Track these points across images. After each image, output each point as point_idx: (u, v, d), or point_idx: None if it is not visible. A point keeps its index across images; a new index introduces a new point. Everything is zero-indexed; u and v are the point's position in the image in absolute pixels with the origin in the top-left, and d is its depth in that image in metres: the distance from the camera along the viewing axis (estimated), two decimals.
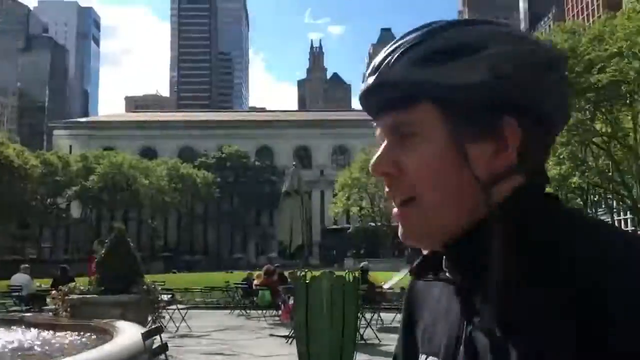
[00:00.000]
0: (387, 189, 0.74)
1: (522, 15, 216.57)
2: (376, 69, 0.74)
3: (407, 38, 0.74)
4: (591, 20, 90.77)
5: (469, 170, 0.69)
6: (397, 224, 0.74)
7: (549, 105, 0.73)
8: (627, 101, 32.47)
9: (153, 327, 4.83)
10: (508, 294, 0.64)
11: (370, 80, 0.74)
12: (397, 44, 0.74)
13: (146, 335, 3.67)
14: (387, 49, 0.74)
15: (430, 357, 0.78)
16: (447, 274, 0.76)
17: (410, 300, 0.91)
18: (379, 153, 0.75)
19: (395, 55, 0.72)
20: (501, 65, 0.70)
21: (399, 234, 0.74)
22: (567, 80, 0.78)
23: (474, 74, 0.69)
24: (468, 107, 0.70)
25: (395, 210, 0.74)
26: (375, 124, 0.79)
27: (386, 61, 0.73)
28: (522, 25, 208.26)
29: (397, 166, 0.73)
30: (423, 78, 0.70)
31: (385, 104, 0.74)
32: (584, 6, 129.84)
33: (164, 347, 3.74)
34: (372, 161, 0.75)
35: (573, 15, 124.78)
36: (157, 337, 3.82)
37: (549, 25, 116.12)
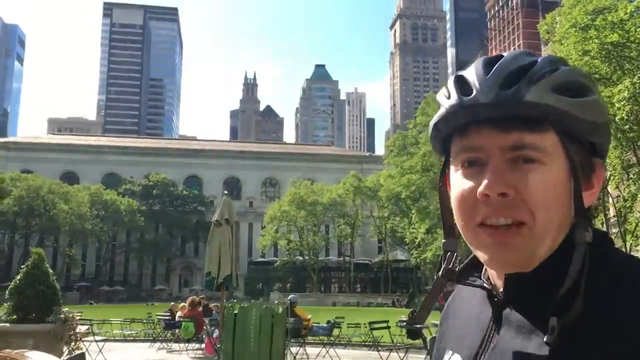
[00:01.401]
0: (482, 209, 0.74)
1: (449, 60, 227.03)
2: (510, 83, 0.73)
3: (526, 60, 0.76)
4: None
5: (578, 202, 0.73)
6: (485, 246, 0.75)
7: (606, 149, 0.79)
8: None
9: (76, 353, 4.60)
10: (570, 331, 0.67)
11: (508, 92, 0.73)
12: (521, 63, 0.75)
13: None
14: (510, 63, 0.75)
15: (456, 355, 0.83)
16: (483, 282, 0.81)
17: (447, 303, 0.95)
18: (493, 174, 0.74)
19: (536, 75, 0.73)
20: (604, 111, 0.76)
21: (494, 259, 0.75)
22: None
23: (602, 114, 0.74)
24: (580, 143, 0.74)
25: (487, 232, 0.74)
26: (464, 138, 0.77)
27: (525, 77, 0.73)
28: (450, 70, 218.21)
29: (515, 189, 0.72)
30: (562, 106, 0.72)
31: (503, 121, 0.73)
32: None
33: None
34: (488, 180, 0.73)
35: None
36: None
37: None
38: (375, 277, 77.54)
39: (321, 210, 70.41)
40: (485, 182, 0.73)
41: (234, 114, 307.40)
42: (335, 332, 14.35)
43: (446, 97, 0.78)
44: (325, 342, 13.31)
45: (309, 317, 14.06)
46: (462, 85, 0.77)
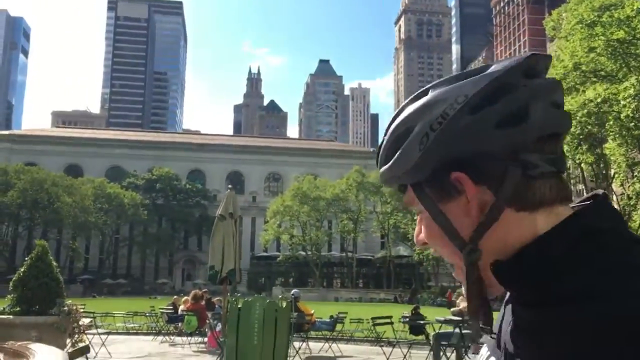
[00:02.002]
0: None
1: (454, 56, 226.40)
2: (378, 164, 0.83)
3: (388, 141, 0.81)
4: None
5: (448, 234, 0.77)
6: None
7: (486, 143, 0.73)
8: None
9: (80, 346, 4.59)
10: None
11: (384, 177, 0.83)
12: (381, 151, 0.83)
13: (74, 354, 3.49)
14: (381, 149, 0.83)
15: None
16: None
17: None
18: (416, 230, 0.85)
19: (381, 161, 0.82)
20: (423, 140, 0.75)
21: None
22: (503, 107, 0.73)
23: (406, 161, 0.77)
24: (421, 183, 0.77)
25: None
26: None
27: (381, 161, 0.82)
28: (455, 66, 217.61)
29: (423, 241, 0.82)
30: (389, 174, 0.80)
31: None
32: (512, 52, 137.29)
33: None
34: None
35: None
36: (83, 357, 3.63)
37: None
38: (378, 272, 77.56)
39: (324, 205, 70.41)
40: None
41: (237, 109, 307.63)
42: (338, 327, 14.36)
43: None
44: (328, 337, 13.33)
45: (312, 311, 14.06)
46: None
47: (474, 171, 0.73)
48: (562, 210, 0.72)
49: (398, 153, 0.76)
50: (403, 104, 0.81)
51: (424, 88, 0.79)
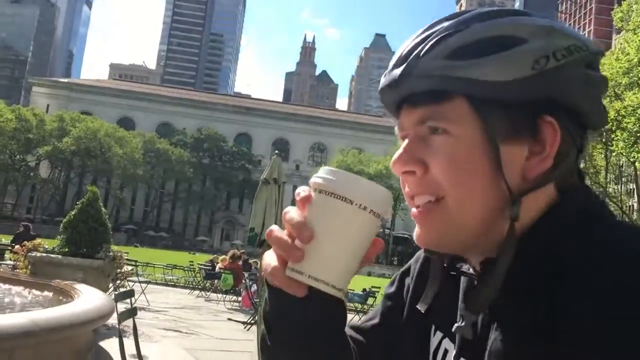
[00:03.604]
0: (406, 189, 0.70)
1: None
2: (404, 59, 0.69)
3: (438, 27, 0.69)
4: None
5: (500, 173, 0.65)
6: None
7: (588, 107, 0.68)
8: (602, 139, 33.29)
9: (124, 290, 4.83)
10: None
11: (397, 71, 0.69)
12: (427, 33, 0.69)
13: (119, 297, 3.68)
14: (416, 38, 0.69)
15: (447, 340, 0.77)
16: (464, 268, 0.76)
17: (422, 273, 0.88)
18: (401, 150, 0.70)
19: (427, 46, 0.67)
20: (541, 60, 0.64)
21: (415, 236, 0.71)
22: (605, 80, 0.70)
23: (512, 70, 0.64)
24: (504, 105, 0.65)
25: (414, 210, 0.70)
26: (395, 120, 0.74)
27: (416, 51, 0.68)
28: None
29: (423, 164, 0.68)
30: (456, 73, 0.65)
31: (411, 98, 0.69)
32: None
33: (132, 312, 3.75)
34: (394, 157, 0.70)
35: None
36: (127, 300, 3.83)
37: None
38: (414, 252, 75.67)
39: None
40: (393, 159, 0.70)
41: (289, 76, 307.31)
42: (370, 300, 14.49)
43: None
44: (358, 309, 13.47)
45: None
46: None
47: (566, 125, 0.67)
48: (550, 189, 0.67)
49: (501, 55, 0.65)
50: (493, 9, 0.69)
51: (523, 10, 0.70)
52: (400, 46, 0.71)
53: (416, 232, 0.71)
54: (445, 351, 0.76)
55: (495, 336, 0.65)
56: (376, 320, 0.90)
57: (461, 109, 0.66)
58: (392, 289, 0.91)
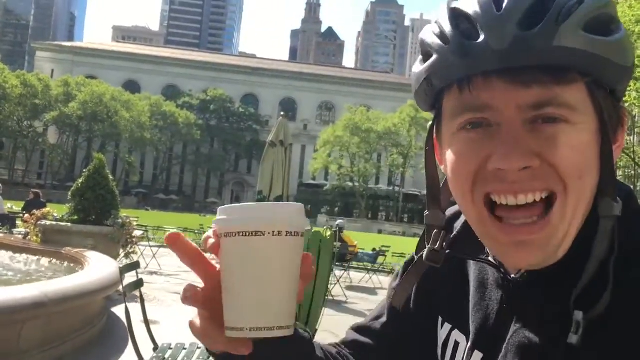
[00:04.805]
0: (505, 185, 0.58)
1: None
2: (529, 18, 0.56)
3: None
4: None
5: (608, 165, 0.59)
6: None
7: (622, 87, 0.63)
8: None
9: (129, 262, 4.80)
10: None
11: (517, 32, 0.55)
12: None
13: (125, 269, 3.64)
14: (520, 2, 0.56)
15: (457, 331, 0.74)
16: (490, 258, 0.69)
17: (432, 269, 0.74)
18: (511, 141, 0.57)
19: (563, 9, 0.56)
20: (632, 50, 0.59)
21: (512, 260, 0.61)
22: None
23: (629, 55, 0.58)
24: (610, 92, 0.60)
25: (508, 228, 0.60)
26: (458, 92, 0.60)
27: (550, 13, 0.56)
28: None
29: (540, 156, 0.57)
30: (596, 49, 0.56)
31: (523, 72, 0.56)
32: None
33: (139, 283, 3.71)
34: (503, 151, 0.57)
35: None
36: (133, 272, 3.79)
37: None
38: (424, 209, 76.92)
39: (375, 138, 70.00)
40: (501, 152, 0.57)
41: (294, 34, 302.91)
42: (380, 259, 14.53)
43: (439, 40, 0.60)
44: (369, 268, 13.52)
45: (356, 243, 14.24)
46: (462, 23, 0.59)
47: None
48: None
49: (624, 37, 0.58)
50: None
51: None
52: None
53: (509, 256, 0.61)
54: (457, 343, 0.73)
55: (515, 329, 0.62)
56: (384, 319, 0.88)
57: (580, 94, 0.58)
58: (398, 282, 0.87)
